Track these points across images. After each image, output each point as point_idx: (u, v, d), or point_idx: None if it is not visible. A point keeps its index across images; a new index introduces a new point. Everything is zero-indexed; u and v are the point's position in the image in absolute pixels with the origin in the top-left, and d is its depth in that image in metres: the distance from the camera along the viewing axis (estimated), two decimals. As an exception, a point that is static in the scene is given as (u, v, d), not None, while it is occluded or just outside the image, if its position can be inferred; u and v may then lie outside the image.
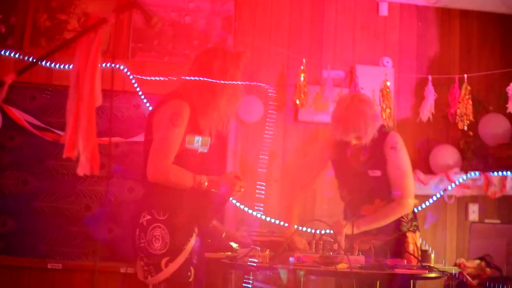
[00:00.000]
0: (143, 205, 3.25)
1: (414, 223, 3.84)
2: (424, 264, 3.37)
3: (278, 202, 5.54)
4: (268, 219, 5.40)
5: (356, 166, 3.81)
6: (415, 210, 3.93)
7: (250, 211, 5.40)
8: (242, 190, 3.29)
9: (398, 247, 3.69)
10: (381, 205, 3.71)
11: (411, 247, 3.73)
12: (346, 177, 3.91)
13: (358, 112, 3.67)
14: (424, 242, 5.46)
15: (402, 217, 3.77)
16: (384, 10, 5.95)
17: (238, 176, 3.29)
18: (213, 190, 3.33)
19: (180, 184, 3.16)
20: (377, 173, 3.76)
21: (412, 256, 3.64)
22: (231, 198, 3.95)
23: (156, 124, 3.22)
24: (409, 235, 3.77)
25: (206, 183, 3.18)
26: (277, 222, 5.37)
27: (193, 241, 3.19)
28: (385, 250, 3.45)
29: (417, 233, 3.84)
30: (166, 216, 3.15)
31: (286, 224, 4.36)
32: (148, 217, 3.16)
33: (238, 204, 5.31)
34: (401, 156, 3.76)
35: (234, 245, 3.97)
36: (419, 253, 3.75)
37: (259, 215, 5.37)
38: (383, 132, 3.78)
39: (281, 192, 5.55)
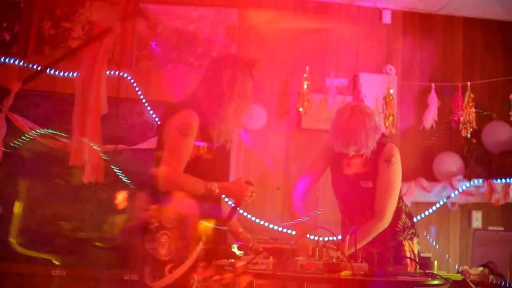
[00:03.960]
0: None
1: (411, 230, 3.77)
2: (427, 271, 3.37)
3: (281, 209, 5.55)
4: (271, 226, 5.43)
5: (349, 175, 3.72)
6: (415, 218, 3.84)
7: (253, 218, 5.42)
8: (253, 195, 3.29)
9: (396, 255, 3.64)
10: (370, 218, 3.63)
11: (408, 255, 3.69)
12: (340, 185, 3.84)
13: (359, 124, 3.53)
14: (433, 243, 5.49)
15: (397, 227, 3.72)
16: (387, 17, 5.96)
17: (250, 181, 3.28)
18: (224, 196, 3.35)
19: (192, 191, 3.17)
20: (369, 184, 3.65)
21: (410, 262, 3.62)
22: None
23: (166, 134, 3.23)
24: (406, 243, 3.73)
25: (217, 190, 3.19)
26: (280, 229, 5.40)
27: (199, 250, 3.20)
28: (388, 258, 3.43)
29: (415, 240, 3.77)
30: (173, 224, 3.17)
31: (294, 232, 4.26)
32: (157, 224, 3.19)
33: (241, 211, 5.33)
34: (392, 171, 3.61)
35: (237, 252, 3.97)
36: (417, 260, 3.72)
37: (262, 223, 5.39)
38: (381, 143, 3.64)
39: (283, 199, 5.56)
